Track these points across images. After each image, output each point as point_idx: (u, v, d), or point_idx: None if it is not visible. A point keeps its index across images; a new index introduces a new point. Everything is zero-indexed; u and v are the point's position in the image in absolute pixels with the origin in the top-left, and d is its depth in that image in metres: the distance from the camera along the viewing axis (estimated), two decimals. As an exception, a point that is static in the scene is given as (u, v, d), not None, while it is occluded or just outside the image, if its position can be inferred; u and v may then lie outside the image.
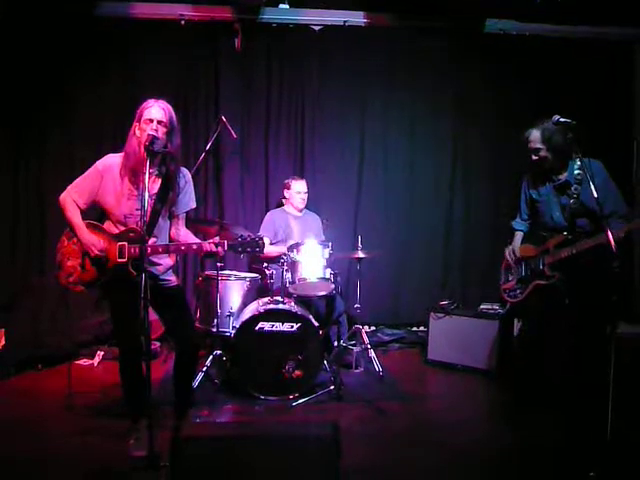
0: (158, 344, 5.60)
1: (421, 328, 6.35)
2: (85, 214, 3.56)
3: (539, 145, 4.03)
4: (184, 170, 3.70)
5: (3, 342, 5.22)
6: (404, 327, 6.46)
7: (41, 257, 5.99)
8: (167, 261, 3.70)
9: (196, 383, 4.42)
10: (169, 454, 2.52)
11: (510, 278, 4.41)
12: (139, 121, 3.44)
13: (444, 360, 5.46)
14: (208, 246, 3.44)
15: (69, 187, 3.57)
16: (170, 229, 3.69)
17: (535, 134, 4.06)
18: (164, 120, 3.41)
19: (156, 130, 3.36)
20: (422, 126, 6.50)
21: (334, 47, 6.26)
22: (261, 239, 3.43)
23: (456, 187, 6.51)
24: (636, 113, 6.40)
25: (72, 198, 3.53)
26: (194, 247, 3.51)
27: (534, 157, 4.09)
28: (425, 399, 4.85)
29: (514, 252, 4.39)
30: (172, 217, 3.67)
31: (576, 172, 4.05)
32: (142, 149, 3.30)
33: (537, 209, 4.31)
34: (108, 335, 5.51)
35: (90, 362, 5.34)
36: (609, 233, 3.17)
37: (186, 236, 3.73)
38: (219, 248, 3.43)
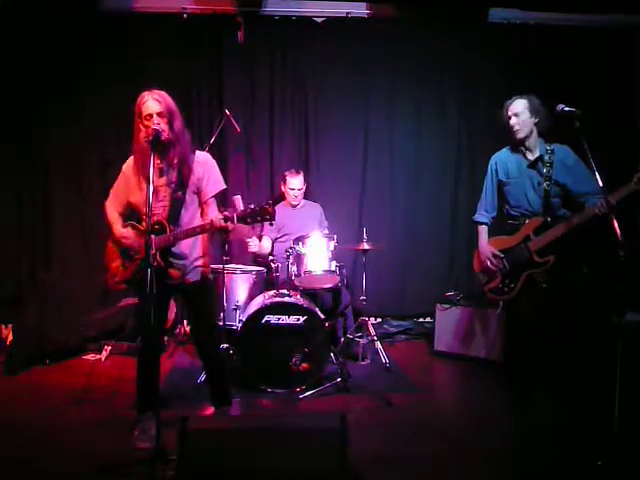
0: (165, 338, 5.60)
1: (427, 319, 6.36)
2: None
3: (522, 110, 4.04)
4: (201, 155, 3.71)
5: (11, 338, 5.25)
6: (410, 319, 6.46)
7: (47, 253, 5.99)
8: (196, 252, 3.70)
9: (202, 377, 4.43)
10: (176, 447, 2.53)
11: (493, 276, 4.29)
12: (140, 117, 3.48)
13: (451, 351, 5.46)
14: (217, 222, 3.39)
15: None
16: (202, 217, 3.68)
17: (521, 101, 4.08)
18: (162, 110, 3.43)
19: (158, 124, 3.39)
20: (427, 117, 6.48)
21: (337, 39, 6.23)
22: (270, 205, 3.35)
23: (461, 178, 6.49)
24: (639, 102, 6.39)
25: (109, 203, 3.77)
26: (198, 229, 3.48)
27: (513, 122, 4.07)
28: (432, 390, 4.86)
29: (492, 252, 4.28)
30: (200, 204, 3.69)
31: (546, 156, 4.05)
32: (149, 144, 3.33)
33: (506, 193, 4.28)
34: (115, 330, 5.54)
35: (97, 357, 5.35)
36: (615, 223, 3.17)
37: None
38: (228, 222, 3.38)
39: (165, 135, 3.41)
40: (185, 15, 5.95)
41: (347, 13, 6.17)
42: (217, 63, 6.16)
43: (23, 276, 5.94)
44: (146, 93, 3.47)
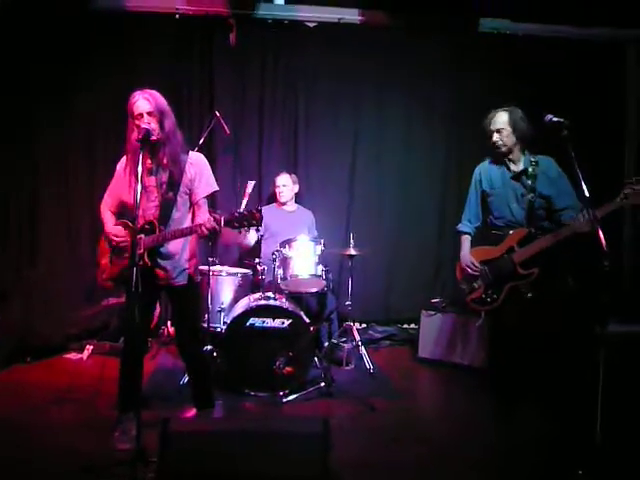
0: (149, 339, 5.57)
1: (412, 325, 6.36)
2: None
3: (504, 126, 4.08)
4: (194, 156, 3.68)
5: (-7, 334, 5.20)
6: (395, 324, 6.46)
7: (32, 248, 5.92)
8: (185, 254, 3.68)
9: (185, 378, 4.41)
10: (158, 449, 2.51)
11: (476, 286, 4.28)
12: (132, 117, 3.47)
13: (435, 358, 5.48)
14: (207, 224, 3.34)
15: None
16: (193, 218, 3.66)
17: (502, 115, 4.11)
18: (152, 110, 3.42)
19: (149, 123, 3.38)
20: (416, 124, 6.51)
21: (329, 44, 6.24)
22: (259, 211, 3.30)
23: (449, 185, 6.52)
24: (628, 114, 6.44)
25: (104, 202, 3.78)
26: (186, 231, 3.47)
27: (495, 138, 4.11)
28: (415, 396, 4.88)
29: (472, 261, 4.30)
30: (191, 205, 3.66)
31: (530, 169, 4.07)
32: (140, 144, 3.28)
33: (489, 204, 4.29)
34: (98, 329, 5.50)
35: (79, 356, 5.31)
36: (600, 234, 3.19)
37: None
38: (215, 225, 3.33)
39: (155, 134, 3.40)
40: (177, 15, 5.94)
41: (339, 19, 6.19)
42: (208, 64, 6.14)
43: (8, 272, 5.86)
44: (137, 92, 3.47)
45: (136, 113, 3.42)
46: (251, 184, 5.40)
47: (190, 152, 3.69)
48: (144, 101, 3.42)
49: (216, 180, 3.74)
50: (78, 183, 5.96)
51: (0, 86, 5.70)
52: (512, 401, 4.23)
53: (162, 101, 3.50)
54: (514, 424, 4.03)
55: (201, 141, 5.62)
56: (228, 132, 5.77)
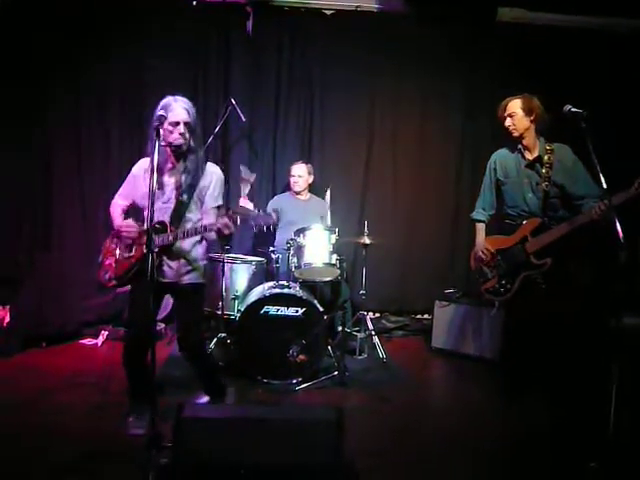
0: (163, 325, 5.61)
1: (426, 316, 6.36)
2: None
3: (516, 110, 4.08)
4: (212, 166, 3.68)
5: (8, 319, 5.24)
6: (409, 315, 6.47)
7: (47, 233, 5.97)
8: (195, 253, 3.66)
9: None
10: (172, 435, 2.53)
11: (490, 276, 4.30)
12: (161, 120, 3.37)
13: (448, 348, 5.48)
14: (221, 223, 3.33)
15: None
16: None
17: (515, 100, 4.12)
18: (189, 120, 3.45)
19: (183, 133, 3.42)
20: (431, 113, 6.47)
21: (345, 32, 6.21)
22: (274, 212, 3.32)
23: (464, 175, 6.49)
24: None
25: (115, 201, 3.79)
26: (200, 229, 3.44)
27: (507, 123, 4.12)
28: (428, 386, 4.89)
29: (486, 248, 4.31)
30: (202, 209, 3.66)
31: (546, 157, 4.05)
32: (167, 148, 3.41)
33: (503, 193, 4.30)
34: (113, 315, 5.54)
35: (94, 341, 5.36)
36: (617, 224, 3.15)
37: None
38: (229, 221, 3.32)
39: (187, 145, 3.45)
40: (195, 2, 5.93)
41: (356, 7, 6.15)
42: (225, 51, 6.13)
43: (22, 257, 5.91)
44: (171, 99, 3.46)
45: (172, 120, 3.40)
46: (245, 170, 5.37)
47: (209, 162, 3.70)
48: (183, 110, 3.43)
49: (231, 167, 3.74)
50: (93, 168, 6.00)
51: (12, 60, 5.75)
52: (524, 392, 4.23)
53: (193, 110, 3.52)
54: (526, 416, 4.02)
55: (217, 128, 5.61)
56: (244, 119, 5.76)
